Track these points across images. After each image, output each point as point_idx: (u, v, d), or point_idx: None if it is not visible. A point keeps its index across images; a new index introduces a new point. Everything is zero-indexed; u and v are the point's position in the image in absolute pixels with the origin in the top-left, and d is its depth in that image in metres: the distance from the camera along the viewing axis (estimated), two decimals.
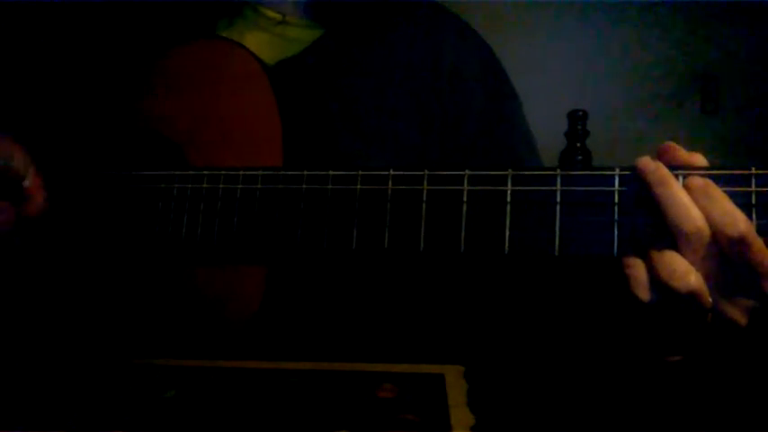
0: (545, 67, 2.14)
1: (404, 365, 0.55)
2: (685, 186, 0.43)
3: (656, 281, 0.42)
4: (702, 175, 0.43)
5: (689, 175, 0.43)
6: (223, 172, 0.55)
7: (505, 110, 0.73)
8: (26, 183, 0.59)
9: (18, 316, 0.62)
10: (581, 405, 0.79)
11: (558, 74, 2.18)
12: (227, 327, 0.57)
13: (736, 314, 0.43)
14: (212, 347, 0.57)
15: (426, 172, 0.49)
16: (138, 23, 0.71)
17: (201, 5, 0.72)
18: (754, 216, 0.42)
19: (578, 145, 1.43)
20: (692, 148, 0.46)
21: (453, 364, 0.55)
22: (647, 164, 0.43)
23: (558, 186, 0.46)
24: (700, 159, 0.45)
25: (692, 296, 0.41)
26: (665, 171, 0.43)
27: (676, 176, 0.43)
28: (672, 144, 0.46)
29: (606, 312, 0.56)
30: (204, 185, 0.56)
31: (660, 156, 0.45)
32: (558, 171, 0.46)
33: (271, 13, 0.72)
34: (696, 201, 0.42)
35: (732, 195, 0.42)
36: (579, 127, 1.42)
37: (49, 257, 0.63)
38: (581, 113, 1.44)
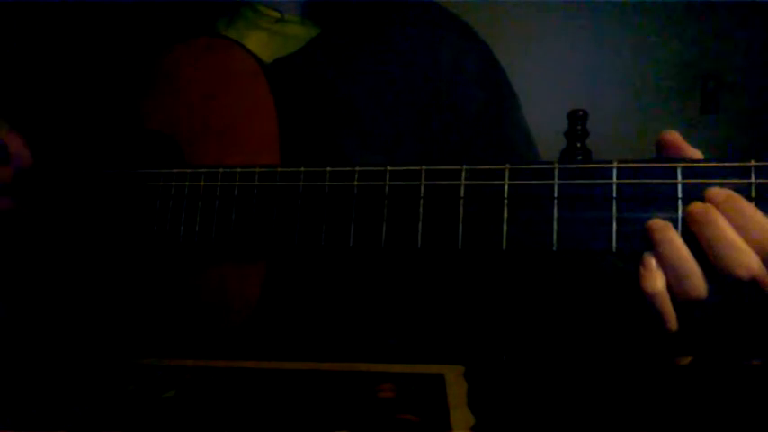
0: (545, 67, 2.14)
1: (404, 365, 0.55)
2: (709, 200, 0.42)
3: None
4: (703, 168, 0.43)
5: (688, 167, 0.43)
6: (221, 170, 0.55)
7: (504, 108, 0.73)
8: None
9: (18, 316, 0.62)
10: (581, 405, 0.79)
11: (558, 74, 2.18)
12: (226, 327, 0.56)
13: None
14: (212, 347, 0.57)
15: (423, 168, 0.49)
16: (137, 23, 0.71)
17: (201, 5, 0.72)
18: None
19: (578, 145, 1.43)
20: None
21: (453, 364, 0.55)
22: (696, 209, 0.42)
23: (556, 180, 0.45)
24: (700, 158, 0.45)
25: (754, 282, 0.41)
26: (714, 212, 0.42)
27: (675, 169, 0.43)
28: (676, 136, 0.45)
29: (605, 310, 0.55)
30: (202, 183, 0.56)
31: (662, 145, 0.45)
32: (556, 165, 0.46)
33: (269, 12, 0.72)
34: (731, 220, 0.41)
35: (731, 188, 0.42)
36: (579, 127, 1.43)
37: (49, 256, 0.63)
38: (581, 113, 1.45)
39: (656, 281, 0.42)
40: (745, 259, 0.40)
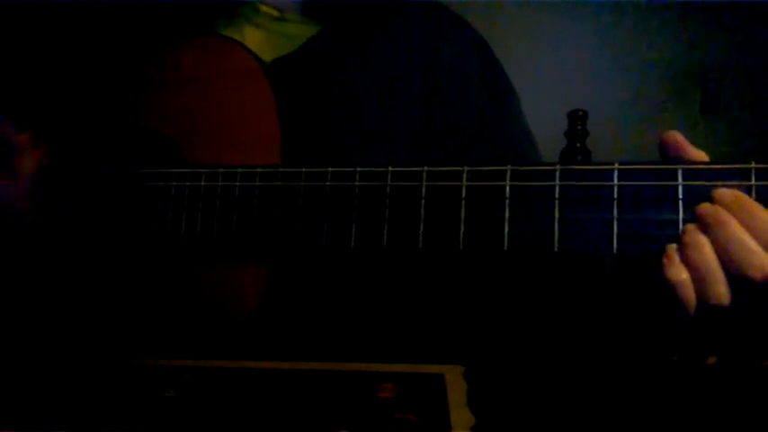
0: (545, 67, 2.14)
1: (404, 365, 0.55)
2: (716, 201, 0.42)
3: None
4: (703, 170, 0.43)
5: (689, 168, 0.43)
6: (221, 170, 0.55)
7: (505, 105, 0.73)
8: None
9: (18, 316, 0.62)
10: (581, 405, 0.79)
11: (558, 74, 2.17)
12: (227, 326, 0.56)
13: None
14: (212, 347, 0.57)
15: (425, 168, 0.49)
16: (137, 23, 0.71)
17: (200, 5, 0.72)
18: None
19: (578, 145, 1.43)
20: None
21: (453, 364, 0.55)
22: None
23: (557, 181, 0.45)
24: (703, 158, 0.45)
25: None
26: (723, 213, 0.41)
27: (676, 171, 0.43)
28: (678, 137, 0.45)
29: (605, 310, 0.55)
30: (202, 183, 0.56)
31: (664, 146, 0.45)
32: (558, 166, 0.46)
33: (269, 10, 0.72)
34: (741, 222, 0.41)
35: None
36: (579, 127, 1.42)
37: (49, 257, 0.63)
38: (581, 113, 1.44)
39: (681, 271, 0.42)
40: (758, 261, 0.40)
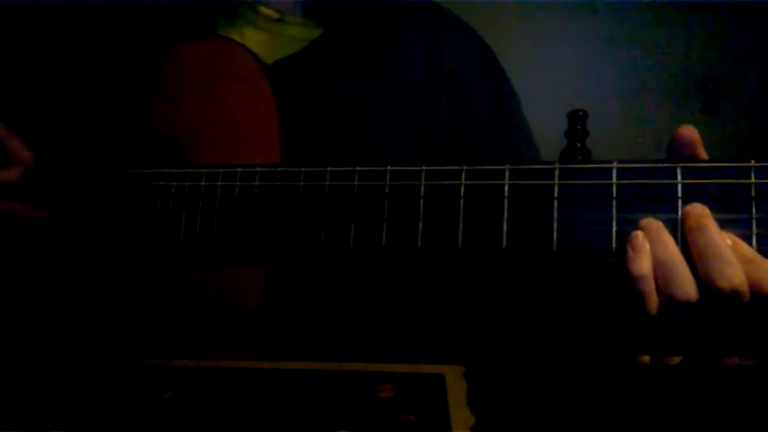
0: (545, 67, 2.14)
1: (404, 365, 0.55)
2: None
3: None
4: (703, 168, 0.43)
5: (688, 167, 0.43)
6: (221, 170, 0.56)
7: (506, 108, 0.73)
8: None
9: (18, 316, 0.62)
10: (581, 405, 0.79)
11: (558, 74, 2.18)
12: (226, 326, 0.57)
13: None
14: (212, 347, 0.57)
15: (424, 168, 0.49)
16: (138, 24, 0.71)
17: (201, 6, 0.72)
18: (753, 209, 0.42)
19: (578, 145, 1.43)
20: None
21: (453, 364, 0.55)
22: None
23: (556, 180, 0.46)
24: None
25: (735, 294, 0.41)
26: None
27: (675, 169, 0.43)
28: (694, 133, 0.44)
29: (604, 309, 0.55)
30: (202, 183, 0.56)
31: (677, 141, 0.45)
32: (556, 165, 0.46)
33: (270, 12, 0.72)
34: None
35: (731, 188, 0.42)
36: (579, 127, 1.42)
37: (49, 257, 0.63)
38: (581, 113, 1.44)
39: (643, 262, 0.42)
40: (728, 271, 0.40)
